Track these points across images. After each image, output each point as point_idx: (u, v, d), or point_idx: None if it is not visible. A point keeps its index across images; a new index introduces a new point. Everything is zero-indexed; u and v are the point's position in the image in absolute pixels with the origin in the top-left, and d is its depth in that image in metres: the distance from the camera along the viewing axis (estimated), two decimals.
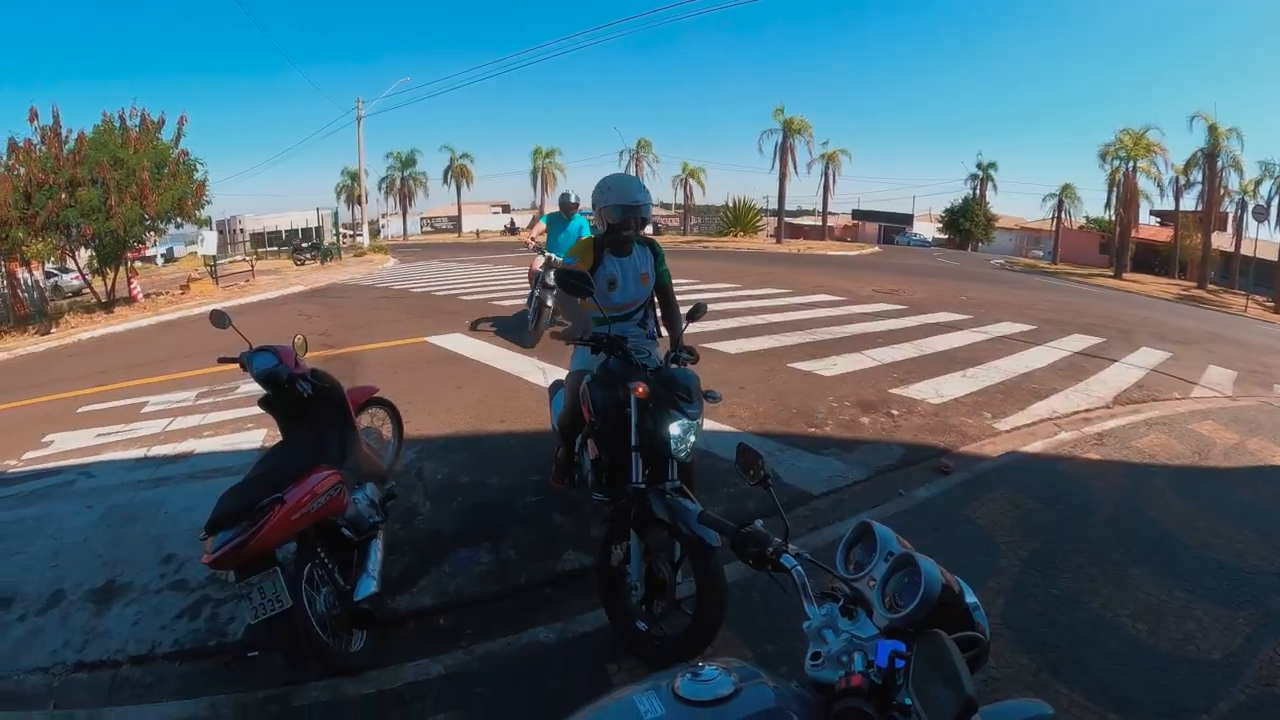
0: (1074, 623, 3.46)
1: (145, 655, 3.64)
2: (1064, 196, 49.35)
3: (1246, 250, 34.61)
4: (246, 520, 2.87)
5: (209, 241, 23.51)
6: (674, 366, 3.54)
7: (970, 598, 1.39)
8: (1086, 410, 6.83)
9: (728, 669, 1.33)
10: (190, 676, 3.48)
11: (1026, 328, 11.36)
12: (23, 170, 16.47)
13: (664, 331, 4.27)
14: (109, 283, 19.32)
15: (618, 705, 1.36)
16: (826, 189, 51.62)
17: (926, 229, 58.12)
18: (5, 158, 16.76)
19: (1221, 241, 39.39)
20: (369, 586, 3.39)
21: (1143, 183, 39.11)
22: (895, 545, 1.46)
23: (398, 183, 63.64)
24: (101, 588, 4.26)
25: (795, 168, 46.87)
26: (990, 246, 52.10)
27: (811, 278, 18.91)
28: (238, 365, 3.79)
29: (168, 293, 20.78)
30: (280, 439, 3.82)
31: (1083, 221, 51.15)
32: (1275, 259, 30.71)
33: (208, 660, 3.58)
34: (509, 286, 16.63)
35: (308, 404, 3.69)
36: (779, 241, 42.40)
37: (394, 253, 32.55)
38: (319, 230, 36.02)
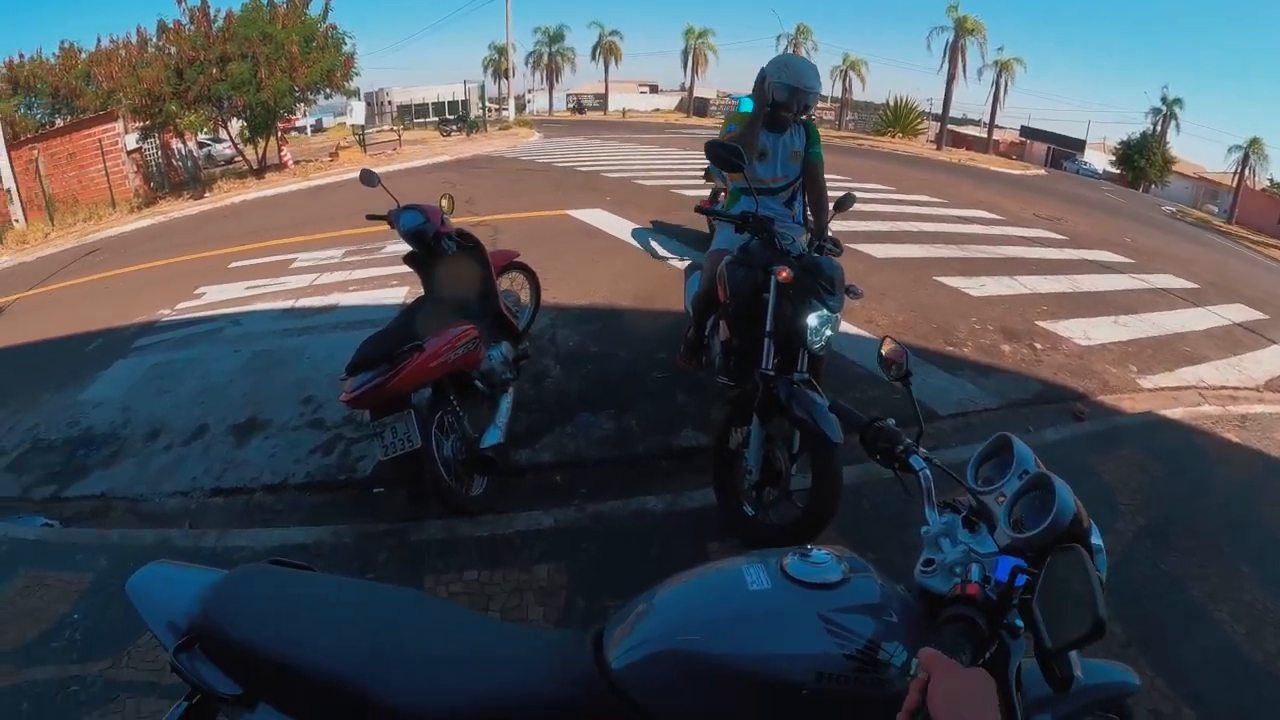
0: (1173, 605, 3.34)
1: (278, 485, 4.03)
2: (1251, 151, 45.25)
3: None
4: (386, 364, 3.11)
5: (357, 112, 24.65)
6: (817, 255, 3.44)
7: (1096, 539, 1.35)
8: (1235, 388, 6.25)
9: (839, 557, 1.35)
10: (317, 507, 3.83)
11: (1189, 285, 10.26)
12: (173, 49, 17.86)
13: (809, 217, 4.20)
14: (260, 151, 20.73)
15: (725, 571, 1.43)
16: (996, 99, 48.30)
17: (1098, 159, 52.69)
18: (156, 38, 18.32)
19: None
20: (495, 436, 3.63)
21: None
22: (1032, 465, 1.42)
23: (545, 58, 64.00)
24: (243, 423, 4.72)
25: (964, 72, 45.61)
26: (1163, 191, 46.98)
27: (970, 191, 17.72)
28: (385, 223, 3.99)
29: (316, 160, 22.06)
30: (423, 294, 4.01)
31: (1267, 184, 45.69)
32: None
33: (335, 493, 3.94)
34: (652, 165, 16.63)
35: (451, 262, 3.87)
36: (939, 148, 39.93)
37: (539, 128, 32.88)
38: (465, 104, 36.84)
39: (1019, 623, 1.23)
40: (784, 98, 3.72)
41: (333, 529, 3.50)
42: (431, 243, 3.78)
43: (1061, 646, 1.09)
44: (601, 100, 64.25)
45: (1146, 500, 4.06)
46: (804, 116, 3.93)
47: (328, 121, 44.97)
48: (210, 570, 1.53)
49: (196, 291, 8.03)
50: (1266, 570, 3.67)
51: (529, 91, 63.48)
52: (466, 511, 3.45)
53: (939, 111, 47.08)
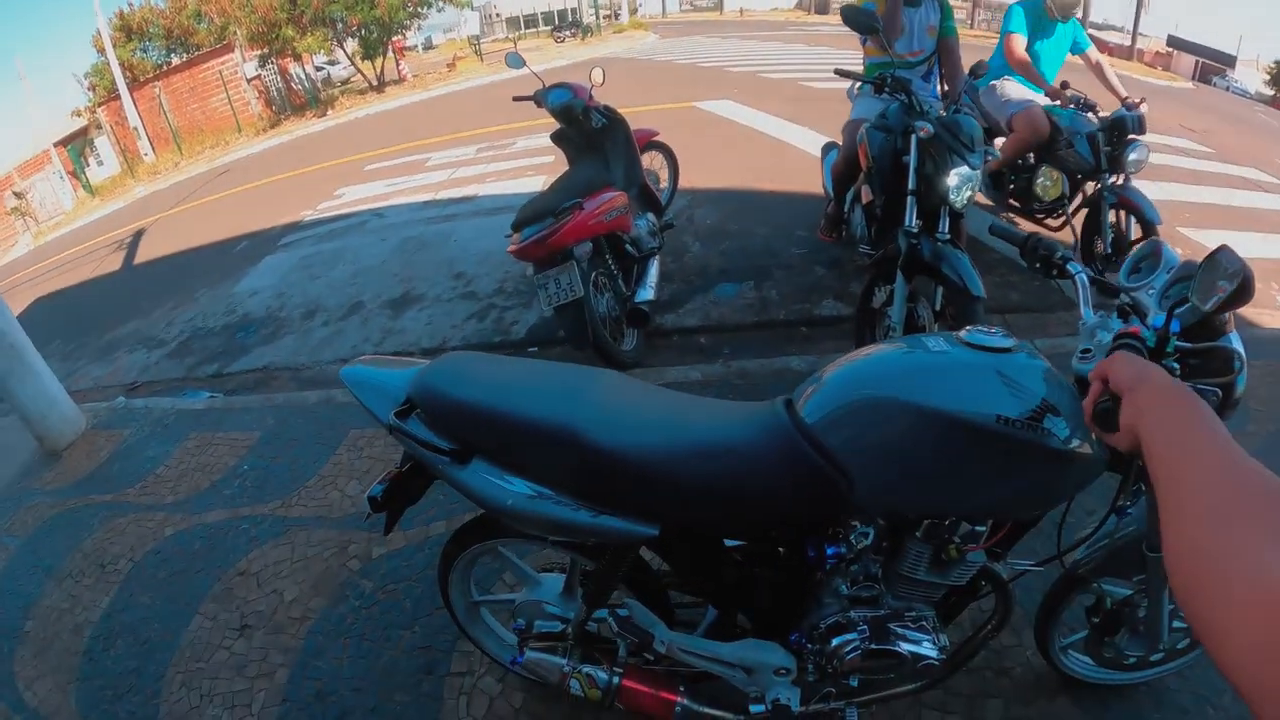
0: None
1: (436, 348, 4.38)
2: None
3: None
4: (551, 218, 3.36)
5: (471, 23, 24.95)
6: (956, 115, 3.49)
7: (1236, 344, 1.47)
8: None
9: (1007, 334, 1.47)
10: None
11: None
12: None
13: (946, 88, 4.40)
14: (378, 67, 21.31)
15: (904, 341, 1.56)
16: (1140, 3, 44.11)
17: (1252, 78, 47.51)
18: None
19: None
20: (646, 294, 3.87)
21: None
22: (1177, 261, 1.56)
23: None
24: (398, 298, 5.11)
25: None
26: None
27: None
28: (532, 103, 4.19)
29: (435, 71, 22.51)
30: (568, 169, 4.19)
31: None
32: None
33: (491, 351, 4.18)
34: (777, 61, 16.25)
35: (598, 136, 4.06)
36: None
37: (654, 29, 32.41)
38: (575, 10, 36.53)
39: (1174, 365, 1.35)
40: None
41: None
42: (581, 117, 3.96)
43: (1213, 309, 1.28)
44: (717, 0, 62.45)
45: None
46: None
47: (437, 39, 45.63)
48: (415, 360, 1.74)
49: (336, 193, 8.56)
50: None
51: None
52: (619, 362, 3.68)
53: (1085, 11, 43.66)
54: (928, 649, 1.59)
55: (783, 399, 1.54)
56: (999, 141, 4.99)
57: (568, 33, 31.30)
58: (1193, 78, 42.71)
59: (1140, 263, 1.63)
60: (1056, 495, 1.49)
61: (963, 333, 1.47)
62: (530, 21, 45.40)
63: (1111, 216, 4.41)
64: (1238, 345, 1.46)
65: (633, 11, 40.83)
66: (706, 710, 1.77)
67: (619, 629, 1.71)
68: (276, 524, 2.96)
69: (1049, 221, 4.88)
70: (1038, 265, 1.76)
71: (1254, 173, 10.46)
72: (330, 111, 18.83)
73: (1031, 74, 4.67)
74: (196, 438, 3.67)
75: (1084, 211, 4.60)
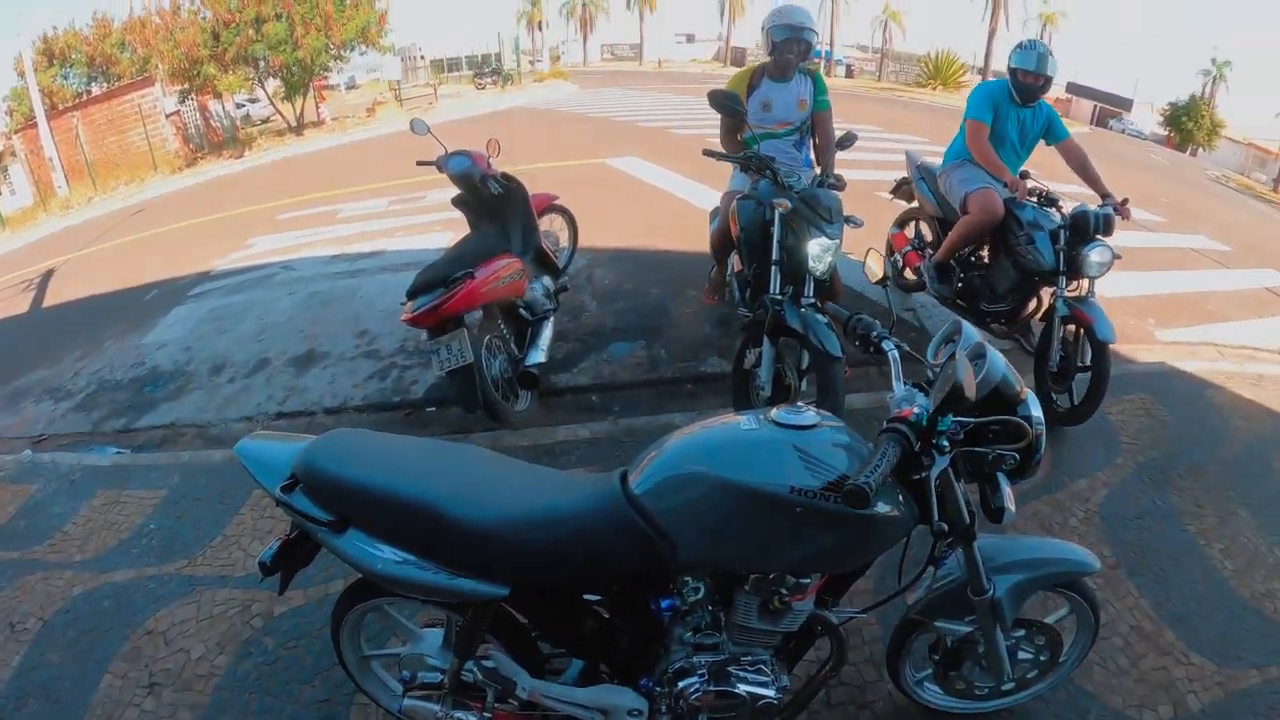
0: (1166, 537, 3.51)
1: (337, 407, 4.49)
2: None
3: None
4: (442, 288, 3.54)
5: (391, 67, 25.11)
6: (817, 189, 3.73)
7: (1032, 410, 1.69)
8: (1255, 348, 6.18)
9: (818, 412, 1.72)
10: (374, 425, 4.24)
11: (1222, 248, 10.05)
12: (209, 12, 18.47)
13: (817, 160, 4.51)
14: (297, 109, 21.18)
15: (724, 420, 1.82)
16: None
17: (1146, 120, 51.04)
18: (191, 2, 19.00)
19: None
20: (537, 356, 4.06)
21: None
22: (974, 340, 1.75)
23: (578, 8, 63.40)
24: (303, 355, 5.18)
25: (1007, 24, 45.28)
26: (1211, 156, 45.32)
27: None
28: (434, 168, 4.36)
29: (354, 115, 22.48)
30: (470, 233, 4.40)
31: None
32: None
33: (390, 412, 4.39)
34: (688, 116, 16.73)
35: (496, 202, 4.25)
36: None
37: (574, 79, 32.93)
38: (499, 56, 36.88)
39: (945, 443, 1.59)
40: (781, 38, 4.11)
41: None
42: (479, 184, 4.15)
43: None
44: (637, 50, 63.66)
45: (1150, 441, 4.21)
46: (806, 58, 4.27)
47: (361, 79, 45.34)
48: (304, 436, 1.92)
49: (247, 242, 8.53)
50: (1264, 517, 3.78)
51: (562, 43, 63.06)
52: (511, 424, 3.88)
53: (981, 64, 45.89)
54: (765, 690, 1.82)
55: (620, 470, 1.77)
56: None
57: (489, 80, 31.56)
58: (1091, 122, 45.18)
59: (945, 342, 1.84)
60: (867, 552, 1.75)
61: (774, 411, 1.71)
62: (454, 65, 45.54)
63: (1066, 331, 4.05)
64: (1033, 411, 1.68)
65: (555, 59, 41.40)
66: None
67: (484, 678, 1.89)
68: (183, 583, 3.02)
69: (994, 327, 4.57)
70: (857, 343, 2.02)
71: (1139, 212, 11.12)
72: (248, 152, 18.60)
73: (994, 164, 4.35)
74: (103, 495, 3.69)
75: (1043, 320, 4.25)
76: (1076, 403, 3.97)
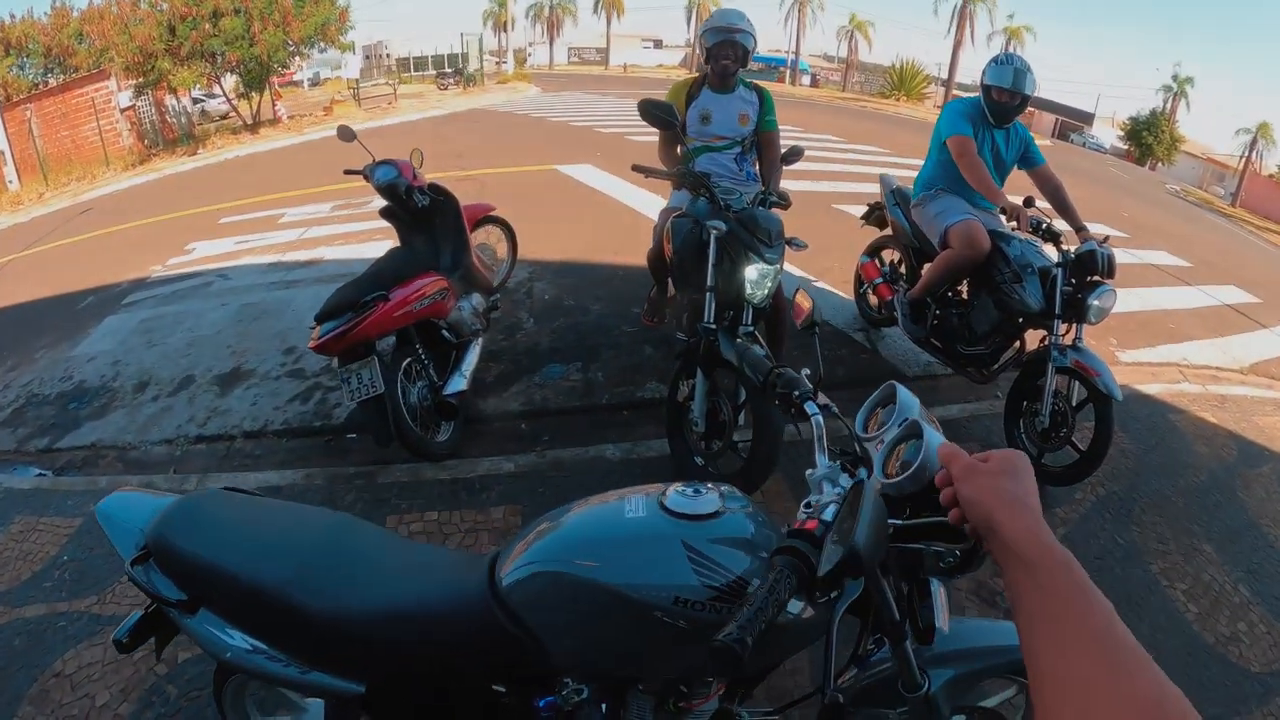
0: (1128, 579, 3.42)
1: (257, 431, 4.23)
2: (1259, 135, 44.96)
3: None
4: (351, 313, 3.28)
5: (352, 65, 24.59)
6: (756, 209, 3.46)
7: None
8: (1218, 368, 6.25)
9: (722, 494, 1.41)
10: (294, 451, 4.04)
11: (1182, 264, 10.18)
12: (165, 5, 17.86)
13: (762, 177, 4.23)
14: (254, 106, 20.64)
15: (610, 502, 1.50)
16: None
17: (1106, 134, 52.06)
18: None
19: None
20: (459, 384, 3.80)
21: None
22: (914, 413, 1.36)
23: (546, 10, 63.12)
24: (227, 374, 4.91)
25: (972, 37, 46.37)
26: (1170, 170, 46.48)
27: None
28: (362, 178, 4.13)
29: (311, 114, 22.00)
30: (395, 246, 4.17)
31: (1275, 170, 45.21)
32: None
33: (311, 438, 4.14)
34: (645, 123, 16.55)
35: (424, 215, 4.03)
36: None
37: (537, 81, 32.64)
38: (464, 56, 36.47)
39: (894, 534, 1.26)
40: (713, 42, 3.87)
41: (305, 472, 3.71)
42: (404, 196, 3.92)
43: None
44: (603, 55, 63.43)
45: (1111, 473, 4.07)
46: (746, 64, 3.99)
47: (325, 75, 44.62)
48: (169, 495, 1.74)
49: (188, 247, 8.20)
50: (1229, 553, 3.73)
51: (529, 45, 62.68)
52: (430, 455, 3.64)
53: (946, 76, 47.02)
54: None
55: (492, 554, 1.55)
56: (927, 267, 4.42)
57: (451, 81, 31.17)
58: (1052, 135, 45.94)
59: (878, 407, 1.48)
60: (772, 657, 1.49)
61: (670, 492, 1.41)
62: (420, 64, 44.94)
63: (1058, 382, 3.67)
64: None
65: (520, 62, 41.10)
66: None
67: None
68: (92, 622, 2.84)
69: (970, 369, 4.24)
70: (777, 402, 1.72)
71: (1098, 227, 11.16)
72: (202, 150, 18.07)
73: (987, 186, 3.95)
74: (21, 521, 3.48)
75: (1018, 369, 3.94)
76: (1071, 462, 3.66)
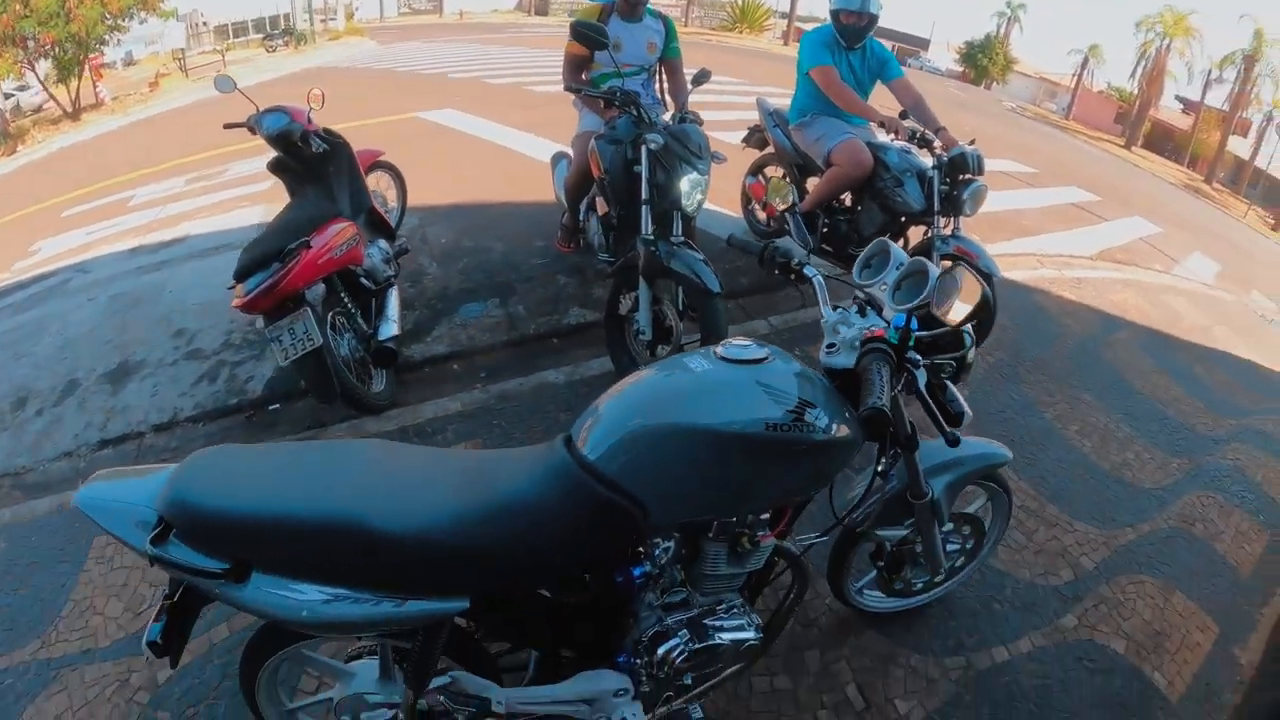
0: (1028, 424, 3.86)
1: (168, 422, 3.82)
2: (1090, 56, 47.26)
3: (1262, 163, 37.46)
4: (277, 263, 2.95)
5: (174, 35, 22.58)
6: (689, 124, 3.58)
7: (968, 342, 1.81)
8: (1070, 256, 6.95)
9: (759, 344, 1.60)
10: (215, 434, 3.67)
11: (1028, 170, 11.14)
12: None
13: (669, 101, 4.34)
14: (73, 91, 18.66)
15: (665, 365, 1.65)
16: None
17: (943, 58, 54.72)
18: None
19: (1240, 148, 39.78)
20: (390, 329, 3.56)
21: (1173, 64, 38.71)
22: (905, 259, 1.73)
23: None
24: (115, 369, 4.40)
25: None
26: (1005, 89, 49.41)
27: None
28: (245, 130, 3.70)
29: (135, 93, 20.13)
30: (293, 200, 3.76)
31: (1104, 87, 49.21)
32: None
33: (231, 417, 3.77)
34: (499, 65, 16.09)
35: (319, 162, 3.65)
36: (786, 44, 40.21)
37: (372, 35, 30.80)
38: (288, 16, 34.10)
39: (916, 356, 1.64)
40: None
41: None
42: (299, 143, 3.54)
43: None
44: (437, 3, 60.59)
45: (994, 343, 4.49)
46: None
47: (139, 54, 40.95)
48: (159, 466, 1.45)
49: (32, 249, 7.35)
50: (1106, 399, 4.28)
51: None
52: (371, 408, 3.41)
53: (786, 9, 46.78)
54: (746, 633, 1.71)
55: (562, 437, 1.54)
56: (812, 181, 4.66)
57: (280, 41, 29.09)
58: None
59: (871, 260, 1.80)
60: (828, 476, 1.68)
61: (719, 349, 1.58)
62: (240, 30, 41.69)
63: (944, 266, 4.14)
64: (968, 341, 1.77)
65: (350, 16, 38.67)
66: None
67: (453, 704, 1.61)
68: (42, 669, 2.44)
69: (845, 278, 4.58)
70: (776, 271, 1.98)
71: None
72: (21, 146, 16.29)
73: (858, 106, 4.22)
74: None
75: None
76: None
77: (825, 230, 4.53)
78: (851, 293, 1.84)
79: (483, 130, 9.12)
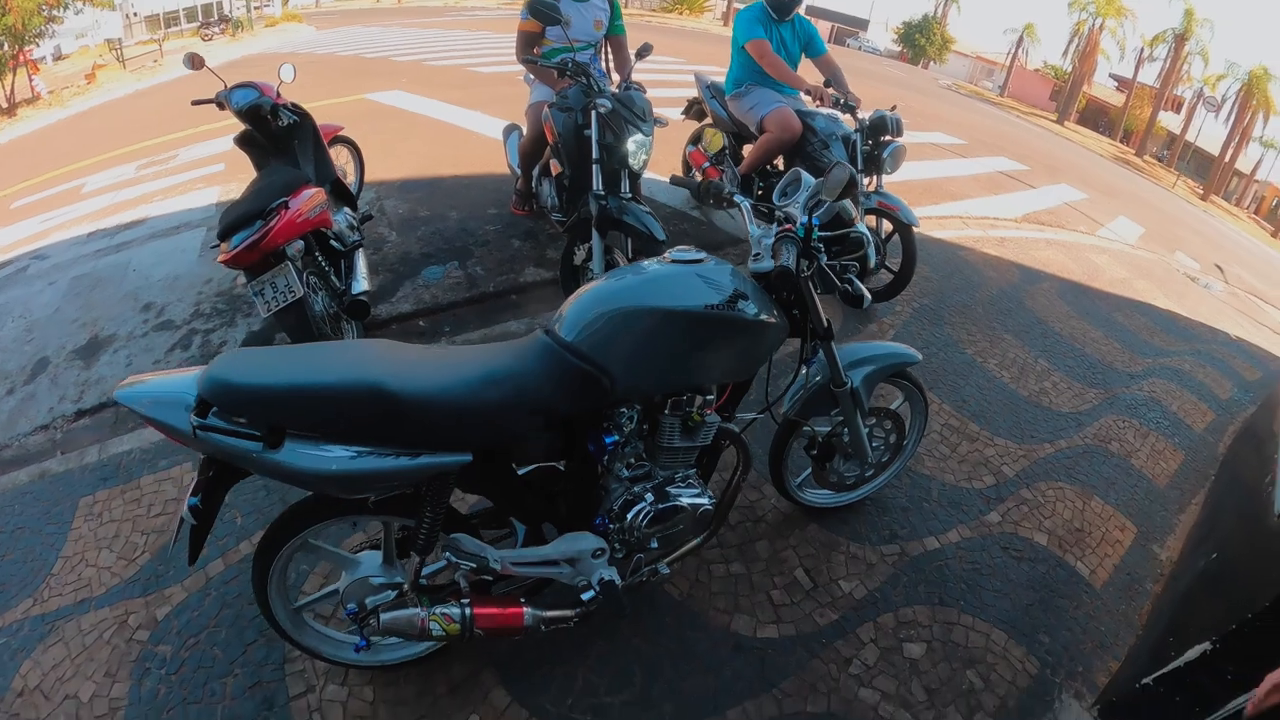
0: (950, 359, 4.26)
1: None
2: (1025, 34, 48.48)
3: (1192, 137, 39.10)
4: (259, 221, 3.14)
5: (112, 23, 21.95)
6: (634, 91, 3.95)
7: (864, 230, 2.74)
8: (995, 218, 7.38)
9: (699, 250, 2.00)
10: None
11: (959, 141, 11.74)
12: None
13: (615, 76, 4.66)
14: (7, 87, 18.12)
15: (627, 270, 2.02)
16: None
17: (881, 38, 55.35)
18: None
19: (1171, 124, 41.74)
20: (361, 284, 3.74)
21: (1106, 43, 39.98)
22: (813, 181, 2.17)
23: None
24: (85, 345, 4.47)
25: None
26: (942, 68, 50.08)
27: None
28: (214, 106, 3.87)
29: (72, 85, 19.57)
30: (264, 170, 3.87)
31: (1040, 65, 50.54)
32: (1216, 153, 36.39)
33: None
34: (442, 46, 16.17)
35: (285, 136, 3.81)
36: (725, 24, 40.47)
37: (309, 20, 30.22)
38: (219, 4, 33.28)
39: (819, 245, 2.06)
40: None
41: None
42: (269, 116, 3.71)
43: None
44: None
45: (920, 291, 4.89)
46: None
47: (69, 47, 39.60)
48: (184, 369, 1.66)
49: None
50: (1025, 339, 4.75)
51: None
52: None
53: None
54: (700, 499, 2.05)
55: (541, 329, 1.86)
56: (748, 147, 4.99)
57: (216, 29, 28.44)
58: (829, 41, 47.71)
59: (787, 188, 2.26)
60: (760, 356, 2.04)
61: (668, 254, 1.97)
62: (171, 20, 40.51)
63: (868, 221, 4.37)
64: (864, 230, 2.47)
65: (285, 2, 37.83)
66: (549, 613, 1.98)
67: (458, 557, 1.87)
68: (36, 625, 2.51)
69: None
70: (710, 201, 2.41)
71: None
72: None
73: (790, 77, 4.55)
74: None
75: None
76: (889, 282, 4.48)
77: (760, 193, 4.86)
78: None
79: (431, 109, 9.23)
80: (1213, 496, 3.54)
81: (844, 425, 2.55)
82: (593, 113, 3.66)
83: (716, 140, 5.19)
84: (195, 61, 4.11)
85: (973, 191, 8.24)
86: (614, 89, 3.95)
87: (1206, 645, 2.08)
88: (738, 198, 2.31)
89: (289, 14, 31.61)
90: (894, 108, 4.43)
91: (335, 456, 1.55)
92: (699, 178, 5.54)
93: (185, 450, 2.96)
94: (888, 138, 4.30)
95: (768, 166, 4.86)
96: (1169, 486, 3.63)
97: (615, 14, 4.63)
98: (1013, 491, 3.28)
